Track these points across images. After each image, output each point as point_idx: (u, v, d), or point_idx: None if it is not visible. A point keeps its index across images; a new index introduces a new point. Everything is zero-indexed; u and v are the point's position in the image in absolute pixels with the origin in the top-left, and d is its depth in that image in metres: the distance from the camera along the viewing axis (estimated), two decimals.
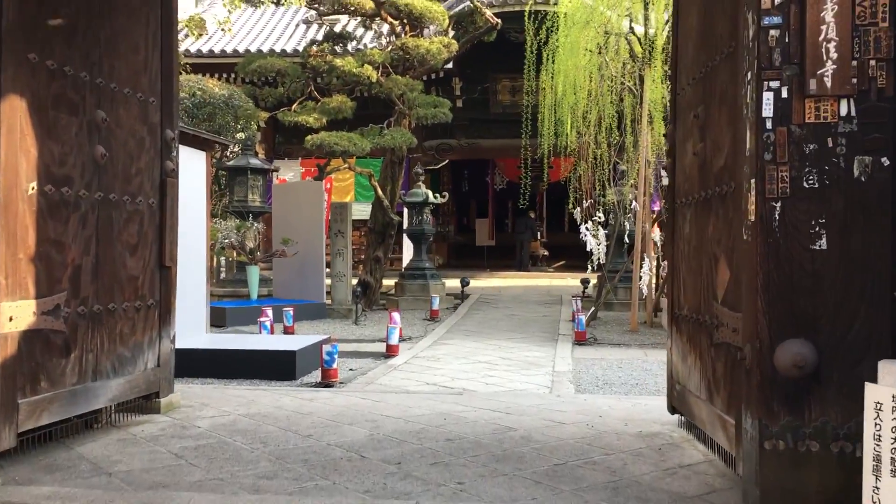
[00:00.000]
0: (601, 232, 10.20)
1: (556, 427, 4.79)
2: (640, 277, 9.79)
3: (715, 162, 3.65)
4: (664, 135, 10.02)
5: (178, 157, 5.17)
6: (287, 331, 10.39)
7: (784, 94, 2.85)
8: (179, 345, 7.54)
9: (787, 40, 2.84)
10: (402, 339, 9.85)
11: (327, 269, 13.13)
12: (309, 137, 11.39)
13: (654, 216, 10.88)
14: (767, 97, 2.85)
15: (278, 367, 7.30)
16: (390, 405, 5.59)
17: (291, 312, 10.45)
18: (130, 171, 4.65)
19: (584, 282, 14.00)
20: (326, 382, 6.91)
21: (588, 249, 10.38)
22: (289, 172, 18.48)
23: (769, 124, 2.87)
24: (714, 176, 3.67)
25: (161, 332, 4.98)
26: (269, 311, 10.61)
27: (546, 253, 20.78)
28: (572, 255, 21.67)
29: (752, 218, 2.92)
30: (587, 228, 10.20)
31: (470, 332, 10.75)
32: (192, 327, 8.21)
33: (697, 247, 3.98)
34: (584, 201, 10.36)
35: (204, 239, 8.69)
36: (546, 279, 17.98)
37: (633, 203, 9.91)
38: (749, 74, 2.96)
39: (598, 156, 10.30)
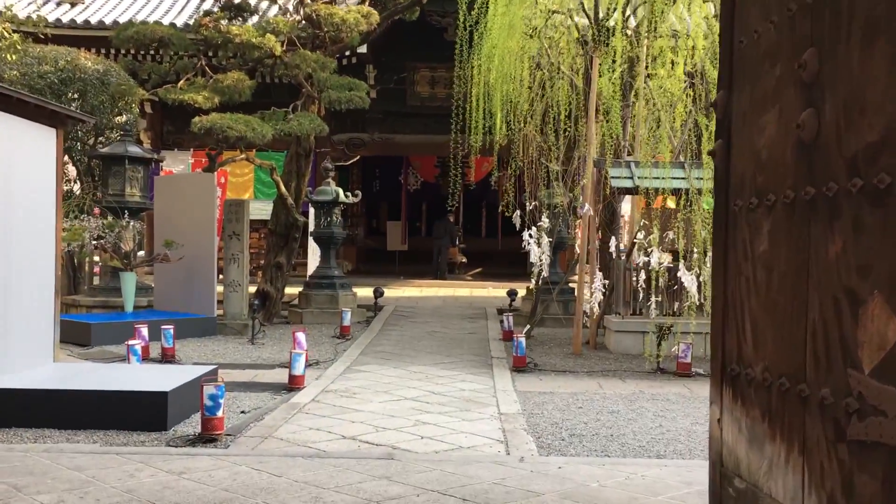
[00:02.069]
0: (545, 239, 8.81)
1: None
2: (592, 293, 8.43)
3: (853, 137, 2.21)
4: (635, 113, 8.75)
5: None
6: (166, 353, 8.52)
7: None
8: (8, 383, 5.67)
9: None
10: (308, 364, 8.17)
11: (220, 277, 11.25)
12: (197, 119, 9.47)
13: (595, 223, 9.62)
14: None
15: (144, 413, 5.50)
16: (295, 484, 3.94)
17: (171, 331, 8.56)
18: None
19: (512, 293, 12.60)
20: (208, 436, 5.17)
21: (531, 260, 8.96)
22: (178, 165, 16.33)
23: None
24: (849, 160, 2.23)
25: None
26: (144, 330, 8.71)
27: (464, 260, 19.36)
28: (491, 263, 20.39)
29: None
30: (531, 235, 8.78)
31: (388, 355, 9.14)
32: (31, 355, 6.30)
33: (791, 275, 2.54)
34: (528, 203, 8.95)
35: (52, 240, 6.78)
36: (466, 289, 16.54)
37: (586, 206, 8.56)
38: None
39: (544, 151, 8.91)
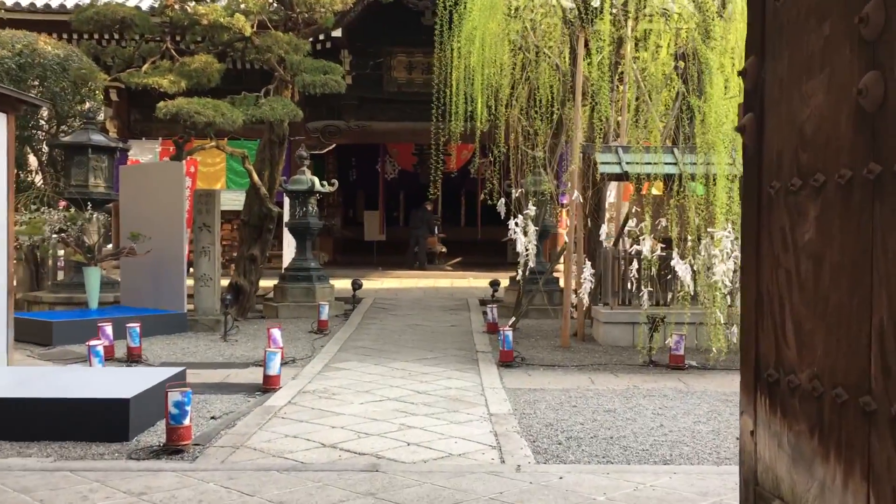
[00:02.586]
0: (531, 228, 8.42)
1: None
2: (582, 283, 8.07)
3: None
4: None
5: None
6: (132, 353, 8.04)
7: None
8: None
9: None
10: (284, 363, 7.75)
11: (190, 271, 10.76)
12: (161, 104, 8.94)
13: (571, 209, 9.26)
14: None
15: (104, 422, 5.05)
16: None
17: (137, 329, 8.07)
18: None
19: (494, 284, 12.24)
20: (174, 447, 4.73)
21: (518, 249, 8.57)
22: (146, 154, 15.72)
23: None
24: None
25: None
26: (109, 328, 8.23)
27: (444, 250, 18.94)
28: (471, 252, 20.01)
29: None
30: (517, 224, 8.39)
31: (369, 351, 8.73)
32: None
33: (849, 267, 2.17)
34: (514, 191, 8.54)
35: (3, 234, 6.27)
36: (446, 280, 16.14)
37: (575, 193, 8.19)
38: None
39: (530, 136, 8.52)
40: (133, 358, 8.03)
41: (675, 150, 8.36)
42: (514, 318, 9.40)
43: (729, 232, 6.95)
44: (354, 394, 6.48)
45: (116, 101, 16.25)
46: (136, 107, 16.31)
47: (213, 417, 5.67)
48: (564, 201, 15.27)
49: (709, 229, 7.02)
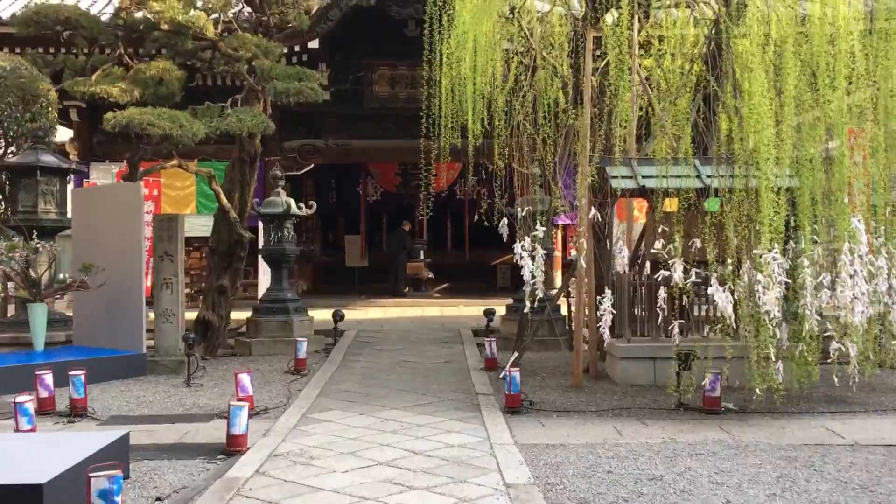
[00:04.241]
0: (539, 252, 7.34)
1: None
2: (600, 316, 6.98)
3: None
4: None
5: None
6: (75, 406, 6.85)
7: None
8: None
9: None
10: (255, 413, 6.64)
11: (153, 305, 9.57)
12: (109, 115, 7.77)
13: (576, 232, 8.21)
14: None
15: None
16: None
17: (82, 378, 6.89)
18: None
19: (489, 313, 11.12)
20: None
21: (525, 277, 7.46)
22: (106, 178, 14.51)
23: None
24: None
25: None
26: (49, 377, 7.05)
27: (431, 275, 17.81)
28: (459, 277, 18.91)
29: None
30: (523, 247, 7.30)
31: (353, 396, 7.59)
32: None
33: None
34: (520, 209, 7.46)
35: None
36: (435, 308, 15.01)
37: (592, 211, 7.13)
38: None
39: (537, 148, 7.48)
40: (77, 412, 6.85)
41: (697, 160, 7.37)
42: (516, 354, 8.29)
43: (776, 254, 5.90)
44: (337, 457, 5.34)
45: (77, 122, 15.08)
46: (99, 127, 15.12)
47: (158, 499, 4.50)
48: (559, 221, 14.25)
49: (753, 251, 5.97)
